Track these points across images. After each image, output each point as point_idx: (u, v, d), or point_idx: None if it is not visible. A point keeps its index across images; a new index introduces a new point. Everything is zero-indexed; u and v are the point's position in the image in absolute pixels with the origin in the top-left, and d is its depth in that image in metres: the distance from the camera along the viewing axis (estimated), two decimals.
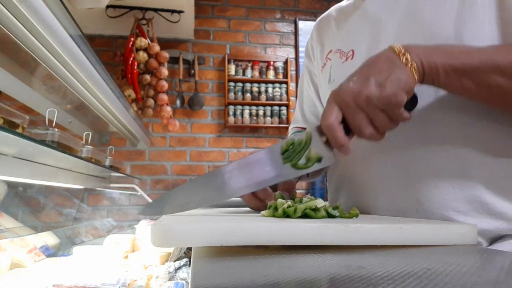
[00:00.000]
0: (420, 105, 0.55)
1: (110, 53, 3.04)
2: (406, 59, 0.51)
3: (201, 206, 0.54)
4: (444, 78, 0.52)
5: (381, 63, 0.52)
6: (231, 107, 3.23)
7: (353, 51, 0.74)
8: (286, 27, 3.52)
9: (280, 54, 3.46)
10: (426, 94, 0.60)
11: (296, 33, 3.50)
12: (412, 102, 0.53)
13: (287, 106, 3.29)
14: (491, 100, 0.55)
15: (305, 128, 0.93)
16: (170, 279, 1.07)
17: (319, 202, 0.50)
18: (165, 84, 2.86)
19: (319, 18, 0.91)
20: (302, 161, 0.55)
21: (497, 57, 0.51)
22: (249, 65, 3.34)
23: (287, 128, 3.27)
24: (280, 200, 0.52)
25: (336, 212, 0.51)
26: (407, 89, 0.50)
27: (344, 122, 0.53)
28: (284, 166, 0.55)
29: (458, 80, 0.53)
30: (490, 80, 0.52)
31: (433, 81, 0.53)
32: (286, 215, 0.50)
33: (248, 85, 3.28)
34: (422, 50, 0.52)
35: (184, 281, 1.04)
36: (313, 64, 0.90)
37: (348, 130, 0.53)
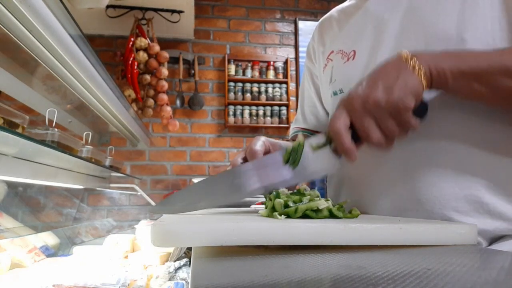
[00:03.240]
0: None
1: (110, 53, 3.04)
2: (414, 64, 0.51)
3: (214, 206, 0.56)
4: (453, 82, 0.53)
5: (389, 69, 0.53)
6: (231, 107, 3.23)
7: (354, 51, 0.74)
8: (286, 27, 3.52)
9: (280, 54, 3.46)
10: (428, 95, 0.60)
11: (296, 33, 3.50)
12: (422, 110, 0.53)
13: (287, 106, 3.29)
14: (501, 102, 0.55)
15: (305, 129, 0.93)
16: (170, 279, 1.07)
17: (322, 204, 0.50)
18: (165, 84, 2.86)
19: (320, 20, 0.91)
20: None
21: (505, 60, 0.51)
22: (249, 65, 3.34)
23: (287, 128, 3.27)
24: (278, 200, 0.52)
25: (339, 214, 0.51)
26: (415, 94, 0.51)
27: (353, 129, 0.53)
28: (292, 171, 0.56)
29: (467, 84, 0.53)
30: (499, 82, 0.52)
31: (441, 86, 0.54)
32: (286, 215, 0.50)
33: (248, 85, 3.28)
34: (429, 56, 0.53)
35: (184, 281, 1.04)
36: (315, 66, 0.90)
37: (356, 138, 0.53)
